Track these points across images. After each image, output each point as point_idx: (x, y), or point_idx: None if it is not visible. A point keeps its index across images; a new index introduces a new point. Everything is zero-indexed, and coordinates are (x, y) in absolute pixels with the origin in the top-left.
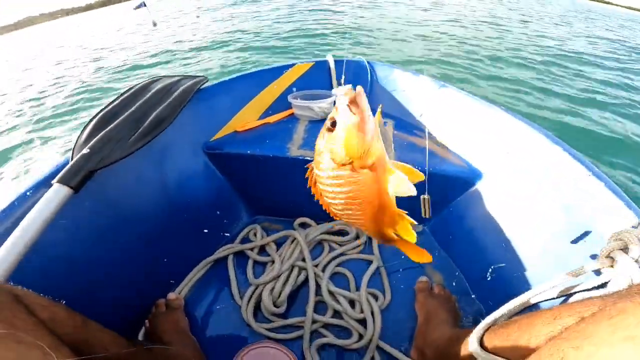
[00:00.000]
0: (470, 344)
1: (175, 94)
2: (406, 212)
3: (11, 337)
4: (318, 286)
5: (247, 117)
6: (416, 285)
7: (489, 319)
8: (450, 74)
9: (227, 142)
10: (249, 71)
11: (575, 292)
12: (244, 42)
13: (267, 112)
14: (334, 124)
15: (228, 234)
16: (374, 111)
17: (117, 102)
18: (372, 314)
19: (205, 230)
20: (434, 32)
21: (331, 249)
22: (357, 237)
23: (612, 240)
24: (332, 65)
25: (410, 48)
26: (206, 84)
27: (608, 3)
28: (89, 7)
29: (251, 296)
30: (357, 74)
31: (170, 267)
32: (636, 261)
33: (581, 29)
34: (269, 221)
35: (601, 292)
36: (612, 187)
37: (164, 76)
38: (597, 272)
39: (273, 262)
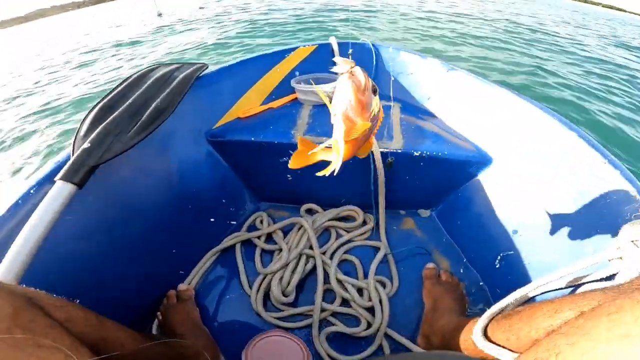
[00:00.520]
0: (474, 333)
1: (175, 82)
2: None
3: (30, 341)
4: (326, 274)
5: (250, 103)
6: (423, 272)
7: (494, 308)
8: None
9: (230, 130)
10: (250, 56)
11: (583, 283)
12: (247, 28)
13: (270, 97)
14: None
15: (234, 222)
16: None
17: (114, 93)
18: (380, 301)
19: (212, 219)
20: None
21: (338, 236)
22: (364, 223)
23: (624, 231)
24: (335, 48)
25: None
26: (206, 71)
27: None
28: (99, 0)
29: (260, 285)
30: (362, 56)
31: (178, 257)
32: None
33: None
34: (274, 208)
35: (607, 284)
36: (627, 176)
37: (162, 64)
38: (605, 264)
39: (280, 250)
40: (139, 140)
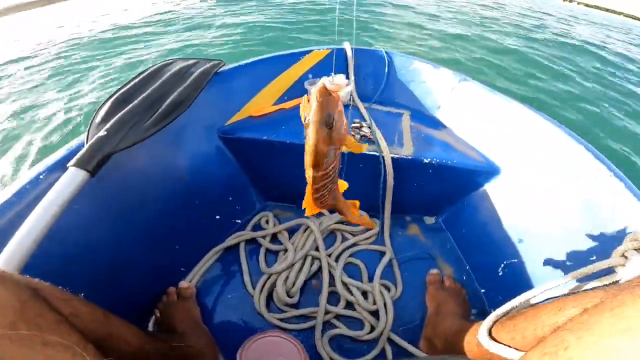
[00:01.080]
0: (480, 334)
1: (192, 77)
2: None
3: (37, 338)
4: (331, 276)
5: (263, 102)
6: (427, 278)
7: (499, 310)
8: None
9: (242, 127)
10: (266, 56)
11: (587, 289)
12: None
13: (283, 98)
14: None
15: (239, 221)
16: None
17: (131, 84)
18: (385, 305)
19: (217, 217)
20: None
21: (344, 239)
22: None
23: (628, 239)
24: (349, 53)
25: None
26: (222, 68)
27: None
28: None
29: (264, 285)
30: (375, 63)
31: (181, 254)
32: None
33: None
34: (280, 208)
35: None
36: (632, 188)
37: (179, 59)
38: (610, 271)
39: (286, 250)
40: (154, 131)
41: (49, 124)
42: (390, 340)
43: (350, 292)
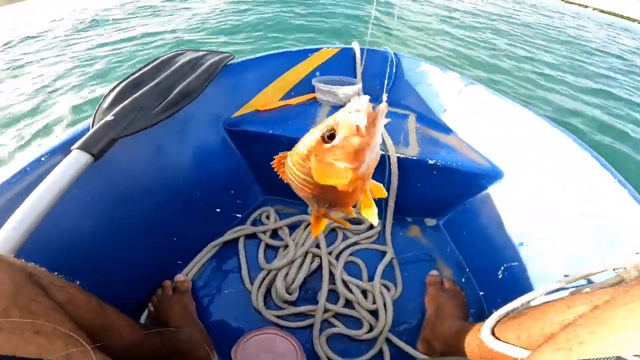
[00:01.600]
0: (483, 333)
1: (202, 68)
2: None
3: (28, 326)
4: (331, 274)
5: (269, 97)
6: (427, 279)
7: (502, 310)
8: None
9: (248, 120)
10: (275, 51)
11: (596, 288)
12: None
13: (289, 94)
14: (332, 136)
15: (239, 215)
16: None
17: (141, 72)
18: (385, 305)
19: (218, 210)
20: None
21: (345, 237)
22: (371, 226)
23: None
24: (357, 53)
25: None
26: (232, 61)
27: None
28: None
29: (262, 281)
30: (382, 64)
31: (179, 246)
32: None
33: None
34: (281, 204)
35: None
36: (635, 196)
37: (189, 50)
38: (612, 273)
39: (286, 246)
40: (162, 118)
41: (56, 111)
42: (388, 341)
43: (350, 291)
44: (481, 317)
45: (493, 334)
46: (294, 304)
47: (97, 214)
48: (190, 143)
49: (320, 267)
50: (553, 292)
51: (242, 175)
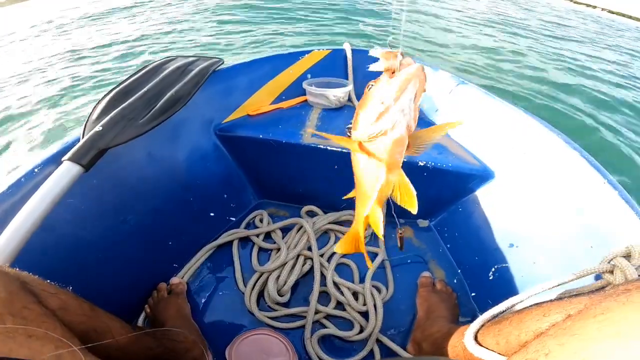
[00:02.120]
0: (466, 338)
1: (191, 74)
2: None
3: (21, 331)
4: (323, 276)
5: (260, 101)
6: (419, 280)
7: (486, 314)
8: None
9: (239, 125)
10: (265, 55)
11: (574, 295)
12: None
13: (280, 98)
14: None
15: (233, 219)
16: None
17: (130, 80)
18: (375, 306)
19: (212, 214)
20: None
21: (337, 239)
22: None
23: (617, 247)
24: (349, 54)
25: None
26: (221, 66)
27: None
28: None
29: (255, 283)
30: (372, 64)
31: (173, 250)
32: (637, 268)
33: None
34: (275, 207)
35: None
36: (625, 197)
37: (179, 56)
38: (598, 276)
39: (279, 249)
40: (150, 127)
41: (47, 121)
42: (379, 342)
43: (341, 293)
44: (472, 318)
45: (476, 338)
46: (286, 305)
47: (91, 222)
48: (182, 149)
49: (312, 269)
50: (536, 295)
51: (235, 179)
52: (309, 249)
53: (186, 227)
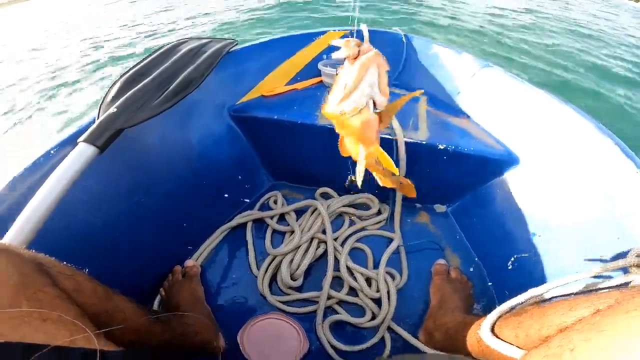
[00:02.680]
0: (482, 329)
1: (204, 55)
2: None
3: (36, 315)
4: (336, 261)
5: (275, 82)
6: (433, 268)
7: (504, 306)
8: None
9: (254, 106)
10: (279, 35)
11: (599, 288)
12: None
13: (295, 79)
14: None
15: (247, 200)
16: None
17: (144, 62)
18: (388, 294)
19: (226, 195)
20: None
21: (351, 223)
22: (379, 212)
23: None
24: (366, 35)
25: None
26: (235, 47)
27: None
28: None
29: (268, 266)
30: (393, 46)
31: (188, 232)
32: None
33: None
34: (289, 189)
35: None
36: None
37: (192, 38)
38: (625, 270)
39: (292, 232)
40: (164, 108)
41: (66, 105)
42: (390, 329)
43: (355, 278)
44: (489, 308)
45: (493, 329)
46: (298, 289)
47: (107, 204)
48: (196, 130)
49: (325, 253)
50: (559, 287)
51: (249, 160)
52: (323, 232)
53: (201, 209)
